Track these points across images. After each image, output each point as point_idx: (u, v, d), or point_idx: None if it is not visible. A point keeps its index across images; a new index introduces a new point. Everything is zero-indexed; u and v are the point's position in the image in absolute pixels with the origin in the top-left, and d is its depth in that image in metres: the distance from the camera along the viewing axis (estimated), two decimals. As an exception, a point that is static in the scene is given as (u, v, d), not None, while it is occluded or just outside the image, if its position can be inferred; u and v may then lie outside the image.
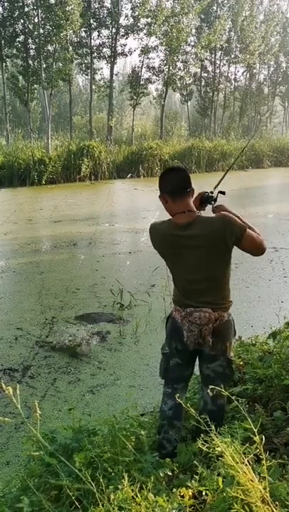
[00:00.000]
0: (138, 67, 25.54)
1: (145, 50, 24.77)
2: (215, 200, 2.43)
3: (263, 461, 1.44)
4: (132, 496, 1.51)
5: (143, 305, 5.55)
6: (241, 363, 2.91)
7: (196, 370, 2.44)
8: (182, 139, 28.94)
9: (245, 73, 33.68)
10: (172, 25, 24.31)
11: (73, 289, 6.28)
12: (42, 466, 1.87)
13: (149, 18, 23.49)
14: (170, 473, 1.82)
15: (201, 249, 2.17)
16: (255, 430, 1.46)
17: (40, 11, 20.18)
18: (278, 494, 1.47)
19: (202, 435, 1.57)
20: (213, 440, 1.51)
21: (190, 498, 1.56)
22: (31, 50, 21.70)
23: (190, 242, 2.17)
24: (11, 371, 4.10)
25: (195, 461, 1.76)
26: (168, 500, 1.51)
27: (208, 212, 2.37)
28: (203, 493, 1.57)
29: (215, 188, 2.49)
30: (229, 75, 32.31)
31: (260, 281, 6.56)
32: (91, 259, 7.90)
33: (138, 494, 1.51)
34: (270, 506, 1.37)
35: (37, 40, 20.77)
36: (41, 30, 20.59)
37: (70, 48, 22.90)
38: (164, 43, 24.86)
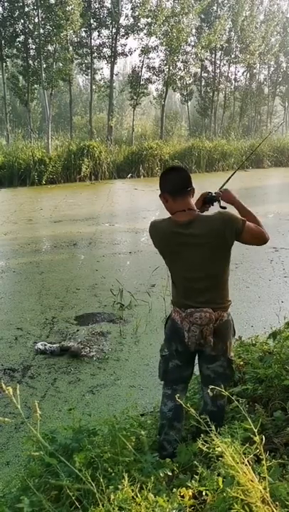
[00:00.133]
0: (138, 67, 25.56)
1: (145, 50, 24.78)
2: (218, 200, 2.43)
3: (263, 461, 1.44)
4: (132, 496, 1.51)
5: (143, 305, 5.55)
6: (241, 363, 2.91)
7: (196, 370, 2.44)
8: (182, 139, 28.96)
9: (245, 73, 33.72)
10: (172, 25, 24.32)
11: (73, 289, 6.28)
12: (42, 466, 1.87)
13: (149, 18, 23.49)
14: (170, 474, 1.82)
15: (201, 247, 2.17)
16: (255, 430, 1.46)
17: (40, 11, 20.19)
18: (278, 494, 1.46)
19: (202, 435, 1.57)
20: (213, 440, 1.50)
21: (190, 498, 1.56)
22: (31, 50, 21.71)
23: (190, 240, 2.17)
24: (11, 371, 4.10)
25: (195, 461, 1.76)
26: (168, 501, 1.51)
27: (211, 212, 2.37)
28: (204, 493, 1.57)
29: (220, 189, 2.49)
30: (229, 75, 32.36)
31: (260, 281, 6.56)
32: (91, 259, 7.90)
33: (138, 494, 1.51)
34: (270, 506, 1.37)
35: (37, 40, 20.78)
36: (41, 30, 20.59)
37: (71, 48, 22.91)
38: (164, 43, 24.86)
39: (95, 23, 23.77)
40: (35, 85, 22.33)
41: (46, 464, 1.82)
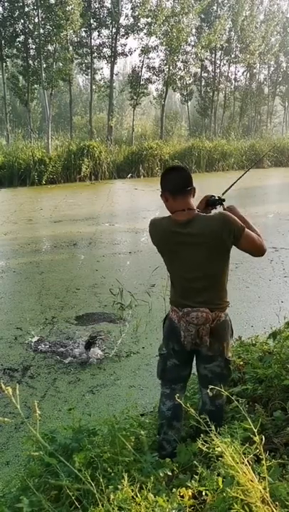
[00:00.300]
0: (138, 67, 25.57)
1: (145, 50, 24.78)
2: (222, 204, 2.43)
3: (263, 461, 1.44)
4: (132, 496, 1.50)
5: (143, 305, 5.55)
6: (241, 362, 2.91)
7: (195, 370, 2.44)
8: (182, 138, 28.96)
9: (245, 73, 33.72)
10: (172, 25, 24.32)
11: (73, 289, 6.27)
12: (42, 466, 1.87)
13: (149, 18, 23.51)
14: (170, 474, 1.82)
15: (199, 247, 2.17)
16: (255, 430, 1.46)
17: (40, 11, 20.20)
18: (278, 494, 1.46)
19: (202, 435, 1.57)
20: (213, 440, 1.50)
21: (190, 498, 1.55)
22: (31, 50, 21.72)
23: (189, 240, 2.17)
24: (10, 371, 4.10)
25: (195, 461, 1.76)
26: (168, 501, 1.51)
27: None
28: (203, 493, 1.57)
29: (224, 193, 2.49)
30: (229, 74, 32.37)
31: (260, 281, 6.56)
32: (91, 259, 7.90)
33: (138, 494, 1.51)
34: (270, 506, 1.36)
35: (37, 40, 20.78)
36: (41, 30, 20.60)
37: (70, 48, 22.92)
38: (164, 43, 24.87)
39: (95, 23, 23.78)
40: (35, 85, 22.34)
41: (46, 463, 1.82)
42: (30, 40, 21.65)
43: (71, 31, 21.34)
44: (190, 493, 1.56)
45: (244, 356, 3.00)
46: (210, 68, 30.91)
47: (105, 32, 24.30)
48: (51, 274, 7.03)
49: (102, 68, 25.97)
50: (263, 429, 2.08)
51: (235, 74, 33.05)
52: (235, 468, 1.41)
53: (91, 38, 24.13)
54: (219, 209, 2.40)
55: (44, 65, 20.75)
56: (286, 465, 1.76)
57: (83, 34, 23.94)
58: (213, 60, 30.61)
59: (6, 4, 20.76)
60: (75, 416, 2.17)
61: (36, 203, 14.26)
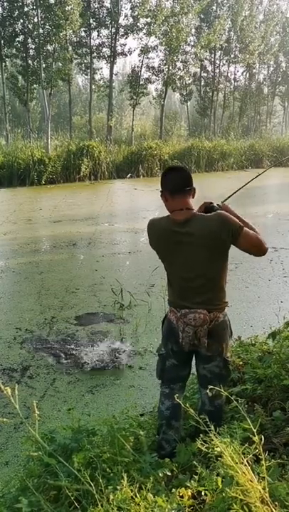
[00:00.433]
0: (138, 67, 25.54)
1: (145, 50, 24.77)
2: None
3: (263, 461, 1.44)
4: (131, 496, 1.50)
5: (143, 305, 5.55)
6: (241, 362, 2.91)
7: (194, 370, 2.44)
8: (182, 138, 28.95)
9: (244, 73, 33.70)
10: (172, 25, 24.31)
11: (73, 289, 6.27)
12: (41, 466, 1.87)
13: (149, 18, 23.49)
14: (169, 474, 1.82)
15: (198, 247, 2.17)
16: (255, 430, 1.46)
17: (39, 11, 20.19)
18: (278, 494, 1.46)
19: (201, 435, 1.57)
20: (213, 440, 1.50)
21: (189, 498, 1.55)
22: (31, 50, 21.69)
23: (186, 239, 2.18)
24: (9, 371, 4.09)
25: (194, 461, 1.76)
26: (167, 501, 1.51)
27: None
28: (203, 493, 1.57)
29: (223, 202, 2.49)
30: (229, 74, 32.33)
31: (259, 281, 6.56)
32: (91, 259, 7.89)
33: (137, 494, 1.51)
34: (270, 506, 1.36)
35: (36, 39, 20.77)
36: (41, 30, 20.59)
37: (70, 48, 22.90)
38: (163, 43, 24.85)
39: (94, 23, 23.75)
40: (35, 85, 22.32)
41: (45, 464, 1.82)
42: (29, 40, 21.63)
43: (70, 31, 21.32)
44: (189, 493, 1.56)
45: (243, 356, 3.00)
46: (209, 68, 30.89)
47: (105, 32, 24.31)
48: (51, 274, 7.03)
49: (101, 68, 26.11)
50: (263, 429, 2.08)
51: (235, 74, 33.06)
52: (235, 468, 1.41)
53: (90, 38, 24.13)
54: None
55: (43, 65, 20.74)
56: (285, 465, 1.76)
57: (83, 34, 23.92)
58: (212, 60, 30.59)
59: (5, 4, 20.75)
60: (74, 416, 2.17)
61: (36, 202, 14.25)
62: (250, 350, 3.06)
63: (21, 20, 21.28)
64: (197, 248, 2.18)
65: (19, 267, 7.41)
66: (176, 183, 2.24)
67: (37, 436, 1.80)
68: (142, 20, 23.71)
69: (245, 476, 1.39)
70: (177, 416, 2.30)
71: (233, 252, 2.25)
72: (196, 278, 2.21)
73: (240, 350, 3.11)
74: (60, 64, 21.84)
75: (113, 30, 24.02)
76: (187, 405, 1.94)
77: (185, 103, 31.66)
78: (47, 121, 21.04)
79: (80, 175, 19.52)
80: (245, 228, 2.19)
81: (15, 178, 18.07)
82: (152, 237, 2.33)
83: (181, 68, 27.45)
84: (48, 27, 20.68)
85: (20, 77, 22.42)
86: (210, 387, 1.76)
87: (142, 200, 14.66)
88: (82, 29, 23.02)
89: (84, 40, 24.20)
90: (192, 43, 27.76)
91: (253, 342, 3.26)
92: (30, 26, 21.41)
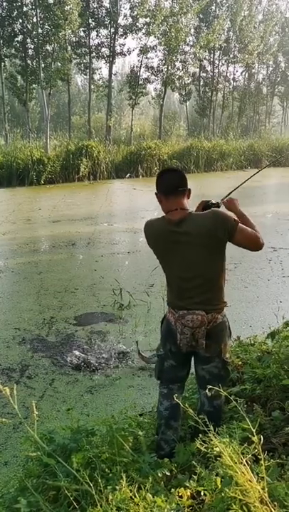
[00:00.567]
0: (137, 66, 25.53)
1: (144, 50, 24.76)
2: (218, 208, 2.43)
3: (262, 461, 1.44)
4: (130, 497, 1.50)
5: (142, 305, 5.54)
6: (240, 362, 2.91)
7: (193, 370, 2.43)
8: (181, 138, 28.93)
9: (243, 73, 33.71)
10: (171, 24, 24.31)
11: (72, 289, 6.27)
12: (40, 466, 1.87)
13: (148, 18, 23.48)
14: (168, 474, 1.82)
15: (194, 245, 2.17)
16: (254, 430, 1.46)
17: (38, 11, 20.18)
18: (277, 494, 1.46)
19: (200, 435, 1.57)
20: (212, 440, 1.50)
21: (188, 499, 1.55)
22: (30, 50, 21.67)
23: (183, 238, 2.18)
24: (8, 371, 4.09)
25: (193, 461, 1.76)
26: (166, 501, 1.51)
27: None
28: (202, 494, 1.57)
29: (222, 200, 2.49)
30: (228, 74, 32.32)
31: (258, 281, 6.56)
32: (90, 259, 7.89)
33: (136, 494, 1.51)
34: (269, 506, 1.36)
35: (35, 39, 20.76)
36: (40, 30, 20.58)
37: (69, 48, 22.88)
38: (162, 43, 24.85)
39: (93, 23, 23.73)
40: (34, 85, 22.31)
41: (44, 464, 1.82)
42: (28, 40, 21.60)
43: (69, 31, 21.31)
44: (188, 493, 1.56)
45: (243, 356, 3.00)
46: (208, 68, 30.88)
47: (104, 32, 24.30)
48: (50, 274, 7.03)
49: (100, 68, 26.19)
50: (262, 429, 2.08)
51: (234, 74, 33.06)
52: (234, 468, 1.40)
53: (89, 38, 24.11)
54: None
55: (42, 65, 20.73)
56: (285, 465, 1.75)
57: (82, 34, 23.91)
58: (211, 60, 30.58)
59: (4, 4, 20.72)
60: (73, 416, 2.17)
61: (35, 202, 14.24)
62: (249, 350, 3.05)
63: (20, 20, 21.24)
64: (195, 247, 2.18)
65: (18, 266, 7.41)
66: (169, 184, 2.25)
67: (36, 436, 1.79)
68: (141, 20, 23.71)
69: (244, 476, 1.39)
70: (176, 416, 2.30)
71: (232, 251, 2.25)
72: (194, 278, 2.21)
73: (239, 350, 3.11)
74: (59, 64, 21.83)
75: (112, 30, 24.01)
76: (186, 405, 1.94)
77: (184, 103, 31.65)
78: (46, 121, 21.03)
79: (79, 175, 19.51)
80: (240, 224, 2.18)
81: (14, 178, 18.06)
82: (150, 238, 2.34)
83: (180, 68, 27.44)
84: (47, 27, 20.67)
85: (19, 77, 22.40)
86: (209, 387, 1.76)
87: (141, 200, 14.66)
88: (81, 29, 23.01)
89: (83, 40, 24.19)
90: (191, 43, 27.75)
91: (252, 342, 3.26)
92: (29, 26, 21.38)
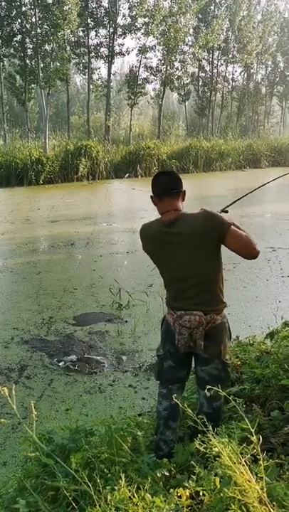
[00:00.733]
0: (136, 66, 25.54)
1: (143, 50, 24.76)
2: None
3: (261, 461, 1.44)
4: (129, 497, 1.50)
5: (141, 305, 5.54)
6: (239, 362, 2.91)
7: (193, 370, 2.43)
8: (180, 138, 28.93)
9: (242, 73, 33.73)
10: (170, 24, 24.32)
11: (71, 289, 6.26)
12: (39, 466, 1.87)
13: (147, 18, 23.48)
14: (167, 474, 1.82)
15: (187, 246, 2.18)
16: (253, 430, 1.46)
17: (37, 11, 20.17)
18: (276, 494, 1.46)
19: (199, 435, 1.57)
20: (211, 440, 1.50)
21: (187, 499, 1.55)
22: (29, 50, 21.67)
23: (175, 239, 2.18)
24: (7, 371, 4.08)
25: (192, 462, 1.76)
26: (165, 501, 1.51)
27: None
28: (201, 494, 1.57)
29: (222, 210, 2.48)
30: (227, 74, 32.33)
31: (257, 280, 6.56)
32: (89, 259, 7.89)
33: (135, 495, 1.51)
34: (268, 507, 1.36)
35: (34, 39, 20.75)
36: (39, 30, 20.57)
37: (68, 48, 22.88)
38: (161, 43, 24.85)
39: (92, 23, 23.73)
40: (33, 85, 22.30)
41: (43, 464, 1.82)
42: (27, 40, 21.60)
43: (68, 31, 21.30)
44: (187, 494, 1.56)
45: (241, 356, 3.00)
46: (207, 68, 30.89)
47: (103, 32, 24.30)
48: (48, 274, 7.02)
49: (99, 68, 26.17)
50: (261, 429, 2.08)
51: (233, 74, 33.07)
52: (233, 468, 1.40)
53: (88, 38, 24.11)
54: None
55: (41, 65, 20.72)
56: (283, 465, 1.75)
57: (81, 34, 23.90)
58: (210, 60, 30.59)
59: (3, 4, 20.71)
60: (72, 416, 2.17)
61: (34, 202, 14.23)
62: (248, 350, 3.05)
63: (19, 20, 21.23)
64: (188, 247, 2.18)
65: (17, 266, 7.40)
66: (163, 186, 2.27)
67: (34, 436, 1.79)
68: (140, 20, 23.72)
69: (243, 476, 1.39)
70: (175, 416, 2.29)
71: (231, 251, 2.25)
72: (189, 278, 2.20)
73: (238, 350, 3.11)
74: (58, 64, 21.81)
75: (111, 30, 24.01)
76: (185, 405, 1.94)
77: (183, 103, 31.65)
78: (45, 121, 21.02)
79: (78, 175, 19.51)
80: (232, 227, 2.15)
81: (13, 178, 18.06)
82: (145, 241, 2.36)
83: (179, 68, 27.47)
84: (45, 27, 20.66)
85: (18, 77, 22.39)
86: (208, 387, 1.75)
87: (140, 200, 14.65)
88: (80, 29, 23.00)
89: (82, 40, 24.18)
90: (190, 43, 27.76)
91: (251, 342, 3.26)
92: (28, 26, 21.37)
